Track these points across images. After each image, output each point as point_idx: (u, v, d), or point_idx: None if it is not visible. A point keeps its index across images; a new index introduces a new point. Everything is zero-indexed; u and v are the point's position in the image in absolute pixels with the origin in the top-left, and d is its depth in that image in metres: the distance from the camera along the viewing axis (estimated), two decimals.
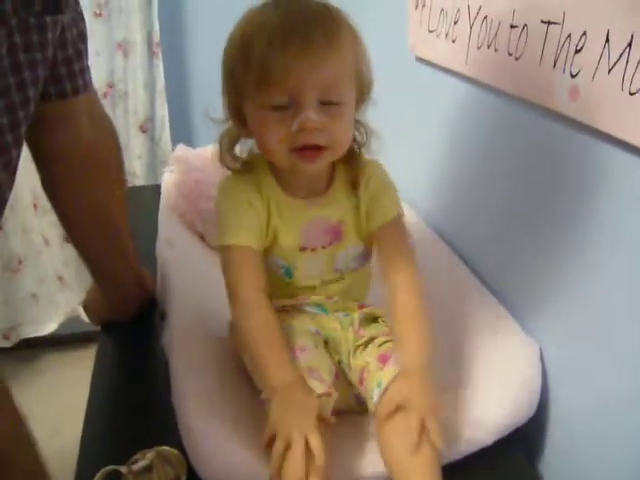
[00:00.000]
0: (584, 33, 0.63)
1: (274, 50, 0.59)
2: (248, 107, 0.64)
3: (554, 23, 0.67)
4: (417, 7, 1.02)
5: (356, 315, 0.76)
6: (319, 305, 0.76)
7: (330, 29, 0.61)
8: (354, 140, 0.69)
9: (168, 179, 1.27)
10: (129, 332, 0.93)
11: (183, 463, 0.67)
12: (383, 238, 0.72)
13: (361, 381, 0.70)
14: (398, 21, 1.14)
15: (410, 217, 1.08)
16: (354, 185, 0.71)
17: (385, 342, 0.71)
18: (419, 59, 1.08)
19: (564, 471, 0.73)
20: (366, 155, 0.72)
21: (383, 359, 0.68)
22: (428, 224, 1.08)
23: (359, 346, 0.73)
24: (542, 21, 0.69)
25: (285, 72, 0.59)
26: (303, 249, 0.71)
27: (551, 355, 0.76)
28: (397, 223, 0.72)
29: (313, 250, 0.71)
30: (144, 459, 0.65)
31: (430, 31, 0.98)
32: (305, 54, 0.59)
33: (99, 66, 1.69)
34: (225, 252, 0.69)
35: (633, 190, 0.61)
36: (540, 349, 0.77)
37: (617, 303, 0.64)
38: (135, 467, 0.64)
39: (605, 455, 0.68)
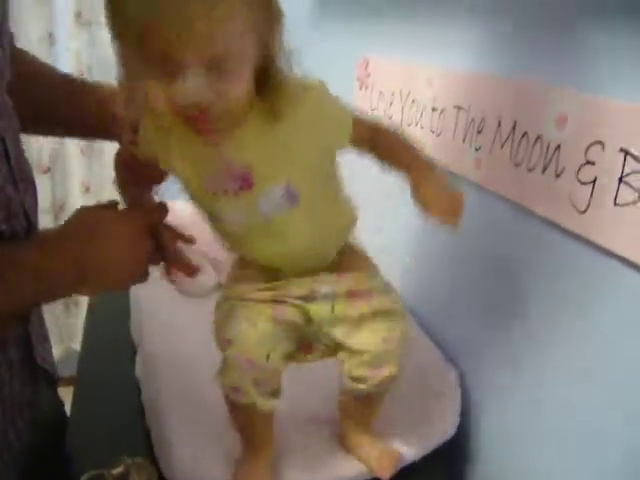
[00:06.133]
0: (483, 119, 0.81)
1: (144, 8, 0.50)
2: (130, 57, 0.55)
3: (463, 109, 0.86)
4: (361, 88, 1.21)
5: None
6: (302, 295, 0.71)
7: None
8: (275, 65, 0.58)
9: None
10: (106, 364, 1.04)
11: (154, 471, 0.78)
12: (355, 140, 0.67)
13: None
14: (346, 99, 1.33)
15: None
16: (275, 117, 0.60)
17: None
18: None
19: None
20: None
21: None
22: None
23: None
24: (454, 106, 0.88)
25: (156, 34, 0.50)
26: (214, 193, 0.64)
27: (473, 384, 0.90)
28: (359, 121, 0.67)
29: (225, 193, 0.63)
30: (122, 465, 0.76)
31: (372, 109, 1.16)
32: (179, 14, 0.49)
33: None
34: None
35: (536, 253, 0.76)
36: (460, 375, 0.91)
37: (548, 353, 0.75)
38: (114, 472, 0.75)
39: None
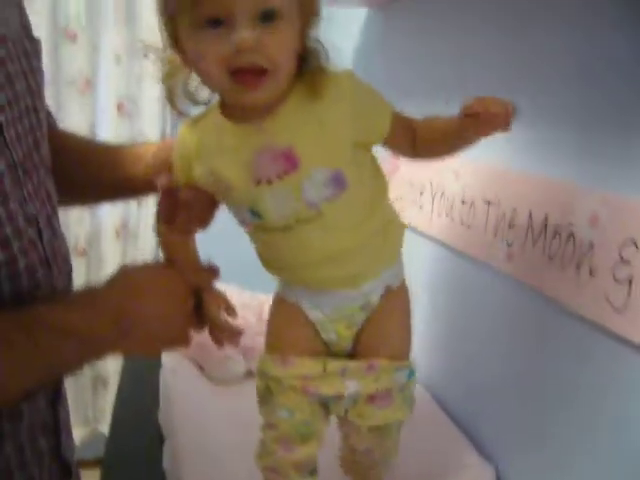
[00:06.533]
0: (514, 214, 0.82)
1: None
2: (182, 30, 0.59)
3: (492, 203, 0.87)
4: (391, 177, 1.24)
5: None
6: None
7: None
8: (315, 50, 0.63)
9: None
10: (133, 451, 1.02)
11: None
12: (394, 136, 0.67)
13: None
14: None
15: None
16: (315, 94, 0.62)
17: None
18: None
19: None
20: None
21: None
22: None
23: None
24: (484, 200, 0.89)
25: None
26: (258, 182, 0.63)
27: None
28: (397, 117, 0.68)
29: (269, 183, 0.62)
30: None
31: (400, 198, 1.18)
32: None
33: (112, 210, 1.91)
34: None
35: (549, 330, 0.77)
36: (497, 471, 0.88)
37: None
38: None
39: None
